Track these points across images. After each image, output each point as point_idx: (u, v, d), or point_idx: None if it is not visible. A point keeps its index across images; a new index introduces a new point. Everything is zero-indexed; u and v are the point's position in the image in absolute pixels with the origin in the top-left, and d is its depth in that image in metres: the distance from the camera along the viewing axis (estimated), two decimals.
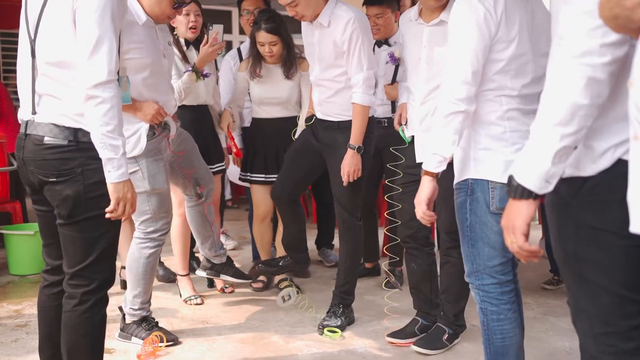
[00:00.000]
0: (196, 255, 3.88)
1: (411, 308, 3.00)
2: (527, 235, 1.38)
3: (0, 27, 7.58)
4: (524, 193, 1.33)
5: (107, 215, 1.94)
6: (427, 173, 2.03)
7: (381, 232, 3.92)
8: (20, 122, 2.06)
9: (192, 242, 3.60)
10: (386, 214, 3.21)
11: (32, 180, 2.01)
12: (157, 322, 2.93)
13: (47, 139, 1.94)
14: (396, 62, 3.52)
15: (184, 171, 3.01)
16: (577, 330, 1.45)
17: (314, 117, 3.13)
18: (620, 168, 1.26)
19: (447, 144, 1.97)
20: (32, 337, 2.63)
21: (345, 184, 2.92)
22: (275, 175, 3.41)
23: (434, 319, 2.87)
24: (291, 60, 3.51)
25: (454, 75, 1.95)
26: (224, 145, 3.76)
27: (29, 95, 2.00)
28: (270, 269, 3.32)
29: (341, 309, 3.07)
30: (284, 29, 3.45)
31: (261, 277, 3.71)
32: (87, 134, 1.92)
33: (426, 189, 2.03)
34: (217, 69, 3.87)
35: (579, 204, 1.34)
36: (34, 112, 1.98)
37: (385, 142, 3.28)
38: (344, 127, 2.96)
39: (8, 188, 4.43)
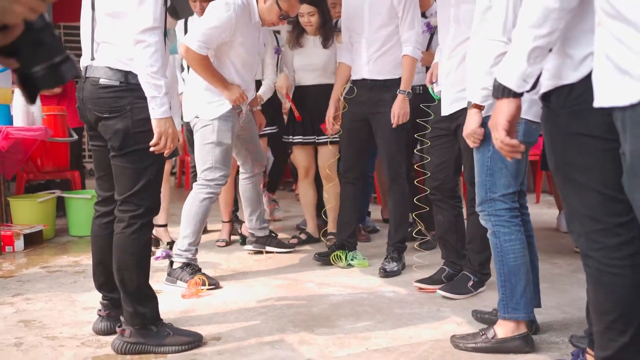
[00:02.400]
0: (240, 232, 4.17)
1: (440, 262, 3.14)
2: (508, 132, 1.53)
3: (62, 20, 8.08)
4: (504, 91, 1.49)
5: (152, 149, 2.16)
6: (476, 106, 2.19)
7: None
8: (81, 67, 2.31)
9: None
10: (416, 166, 3.42)
11: (90, 117, 2.25)
12: (200, 268, 3.16)
13: (102, 80, 2.18)
14: (432, 30, 3.72)
15: (247, 145, 3.48)
16: (572, 232, 1.57)
17: (353, 87, 3.38)
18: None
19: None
20: (89, 280, 2.89)
21: (394, 125, 3.22)
22: (313, 137, 3.86)
23: (460, 268, 3.00)
24: (328, 31, 3.86)
25: (503, 17, 2.10)
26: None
27: (88, 44, 2.25)
28: (324, 258, 3.55)
29: (397, 255, 3.39)
30: (323, 1, 3.77)
31: (305, 232, 4.15)
32: (135, 76, 2.14)
33: (475, 119, 2.19)
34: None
35: (567, 113, 1.46)
36: (92, 58, 2.23)
37: (418, 111, 3.45)
38: (390, 85, 3.27)
39: (68, 158, 4.78)
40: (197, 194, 3.17)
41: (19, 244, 3.89)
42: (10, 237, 3.87)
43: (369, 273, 3.38)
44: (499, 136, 1.53)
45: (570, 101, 1.45)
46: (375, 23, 3.29)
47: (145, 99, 2.14)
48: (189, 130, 3.82)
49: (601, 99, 1.19)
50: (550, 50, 1.43)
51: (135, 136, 2.18)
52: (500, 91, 1.51)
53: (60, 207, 4.63)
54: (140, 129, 2.17)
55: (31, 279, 3.27)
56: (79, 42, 2.31)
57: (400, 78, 3.28)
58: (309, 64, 3.89)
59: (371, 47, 3.33)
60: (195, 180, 3.29)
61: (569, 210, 1.56)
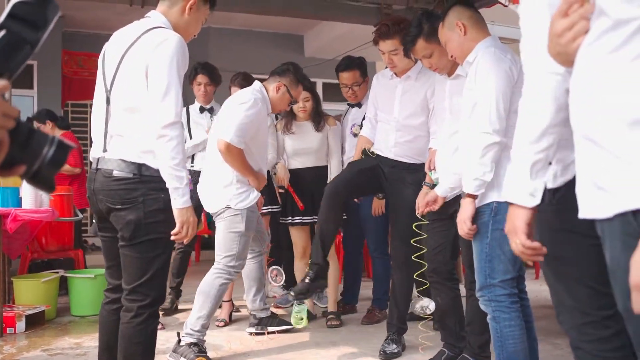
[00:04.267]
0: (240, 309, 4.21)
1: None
2: (528, 236, 1.49)
3: (70, 99, 8.35)
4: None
5: (173, 238, 2.23)
6: (469, 195, 2.33)
7: None
8: (92, 160, 2.41)
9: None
10: (413, 257, 3.44)
11: (101, 207, 2.32)
12: (206, 350, 3.18)
13: (116, 172, 2.25)
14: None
15: (259, 226, 3.60)
16: (562, 324, 1.61)
17: (376, 154, 3.46)
18: None
19: (488, 170, 2.29)
20: None
21: (419, 214, 3.08)
22: (311, 217, 3.94)
23: (459, 351, 3.01)
24: (319, 115, 4.09)
25: (488, 111, 2.28)
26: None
27: (101, 136, 2.33)
28: (302, 288, 3.49)
29: (397, 336, 3.41)
30: (314, 88, 4.08)
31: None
32: (149, 168, 2.23)
33: (468, 208, 2.33)
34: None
35: (552, 211, 1.54)
36: (104, 150, 2.31)
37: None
38: (414, 169, 3.31)
39: (73, 237, 4.86)
40: (216, 278, 3.29)
41: (21, 325, 3.91)
42: (12, 319, 3.88)
43: (370, 355, 3.38)
44: (520, 240, 1.49)
45: (554, 200, 1.53)
46: (406, 110, 3.34)
47: (157, 190, 2.22)
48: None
49: (583, 211, 1.27)
50: (550, 163, 1.49)
51: (146, 226, 2.24)
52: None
53: (62, 285, 4.65)
54: (152, 220, 2.24)
55: None
56: (85, 118, 2.43)
57: (423, 164, 3.24)
58: (304, 147, 4.04)
59: (400, 132, 3.35)
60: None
61: (558, 302, 1.61)
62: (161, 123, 2.18)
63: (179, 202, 2.20)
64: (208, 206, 3.52)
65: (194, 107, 4.49)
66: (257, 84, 3.53)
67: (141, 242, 2.24)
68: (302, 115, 4.06)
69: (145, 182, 2.23)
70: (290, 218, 4.09)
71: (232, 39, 8.54)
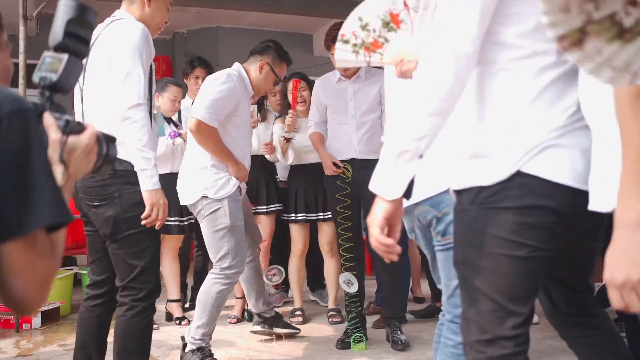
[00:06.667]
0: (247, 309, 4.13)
1: None
2: (383, 230, 1.36)
3: None
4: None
5: (143, 222, 2.21)
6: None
7: None
8: None
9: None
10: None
11: (82, 206, 2.33)
12: (212, 353, 3.08)
13: None
14: None
15: (249, 220, 3.35)
16: (461, 335, 1.42)
17: (343, 167, 3.52)
18: (518, 179, 1.28)
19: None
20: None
21: None
22: (315, 214, 3.96)
23: None
24: None
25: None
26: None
27: None
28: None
29: (399, 326, 3.47)
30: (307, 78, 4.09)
31: (299, 312, 4.09)
32: (122, 162, 2.21)
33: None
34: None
35: (475, 210, 1.34)
36: None
37: None
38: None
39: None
40: (212, 285, 3.01)
41: (36, 321, 3.94)
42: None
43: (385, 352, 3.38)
44: (374, 233, 1.36)
45: (480, 199, 1.33)
46: (362, 107, 3.52)
47: (133, 184, 2.22)
48: None
49: (595, 204, 1.27)
50: (421, 156, 1.32)
51: (126, 222, 2.23)
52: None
53: (76, 281, 4.69)
54: (131, 214, 2.23)
55: (49, 357, 3.31)
56: None
57: None
58: (308, 144, 3.91)
59: (360, 129, 3.51)
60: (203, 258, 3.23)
61: (462, 312, 1.41)
62: (124, 106, 2.19)
63: (147, 183, 2.19)
64: (183, 197, 3.13)
65: (186, 104, 4.30)
66: (236, 64, 3.26)
67: (124, 237, 2.24)
68: (302, 109, 3.99)
69: (120, 176, 2.23)
70: (293, 215, 4.03)
71: (242, 38, 8.54)
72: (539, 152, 1.28)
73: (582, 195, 1.28)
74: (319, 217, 4.00)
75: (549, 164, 1.28)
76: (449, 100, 1.27)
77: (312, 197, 4.00)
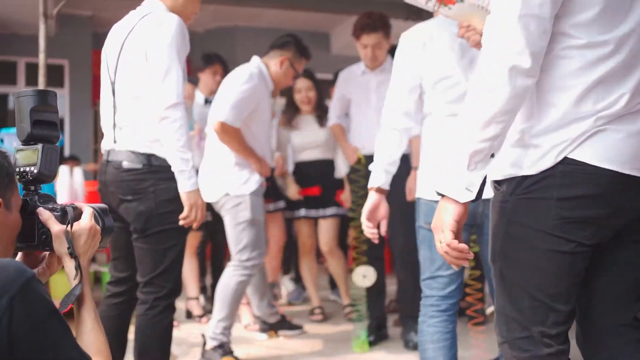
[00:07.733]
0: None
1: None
2: (455, 235, 1.30)
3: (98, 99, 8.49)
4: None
5: (181, 222, 2.19)
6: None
7: None
8: (103, 152, 2.39)
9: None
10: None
11: (111, 200, 2.27)
12: (232, 351, 3.06)
13: (125, 163, 2.23)
14: None
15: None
16: (496, 333, 1.38)
17: (362, 161, 3.43)
18: (562, 167, 1.24)
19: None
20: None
21: (409, 199, 3.04)
22: (315, 209, 3.88)
23: None
24: (323, 109, 3.98)
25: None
26: None
27: (110, 128, 2.31)
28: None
29: (413, 326, 3.28)
30: (315, 77, 3.98)
31: (318, 310, 4.01)
32: (158, 158, 2.20)
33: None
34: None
35: (515, 201, 1.30)
36: (114, 142, 2.29)
37: None
38: (403, 159, 3.21)
39: None
40: (232, 276, 3.04)
41: None
42: None
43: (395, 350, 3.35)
44: (445, 239, 1.30)
45: (522, 189, 1.29)
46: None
47: (167, 180, 2.18)
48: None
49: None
50: (493, 155, 1.28)
51: (158, 217, 2.21)
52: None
53: (96, 279, 4.70)
54: (164, 210, 2.21)
55: None
56: None
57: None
58: (310, 142, 3.90)
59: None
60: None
61: (497, 308, 1.37)
62: (163, 105, 2.14)
63: (186, 185, 2.16)
64: (207, 194, 3.02)
65: (198, 100, 4.24)
66: (255, 59, 3.26)
67: (153, 233, 2.21)
68: (305, 108, 3.95)
69: (155, 172, 2.21)
70: (295, 212, 3.98)
71: (259, 36, 8.53)
72: (586, 138, 1.23)
73: (633, 181, 1.23)
74: (319, 214, 3.95)
75: (596, 150, 1.23)
76: (521, 97, 1.24)
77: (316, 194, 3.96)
